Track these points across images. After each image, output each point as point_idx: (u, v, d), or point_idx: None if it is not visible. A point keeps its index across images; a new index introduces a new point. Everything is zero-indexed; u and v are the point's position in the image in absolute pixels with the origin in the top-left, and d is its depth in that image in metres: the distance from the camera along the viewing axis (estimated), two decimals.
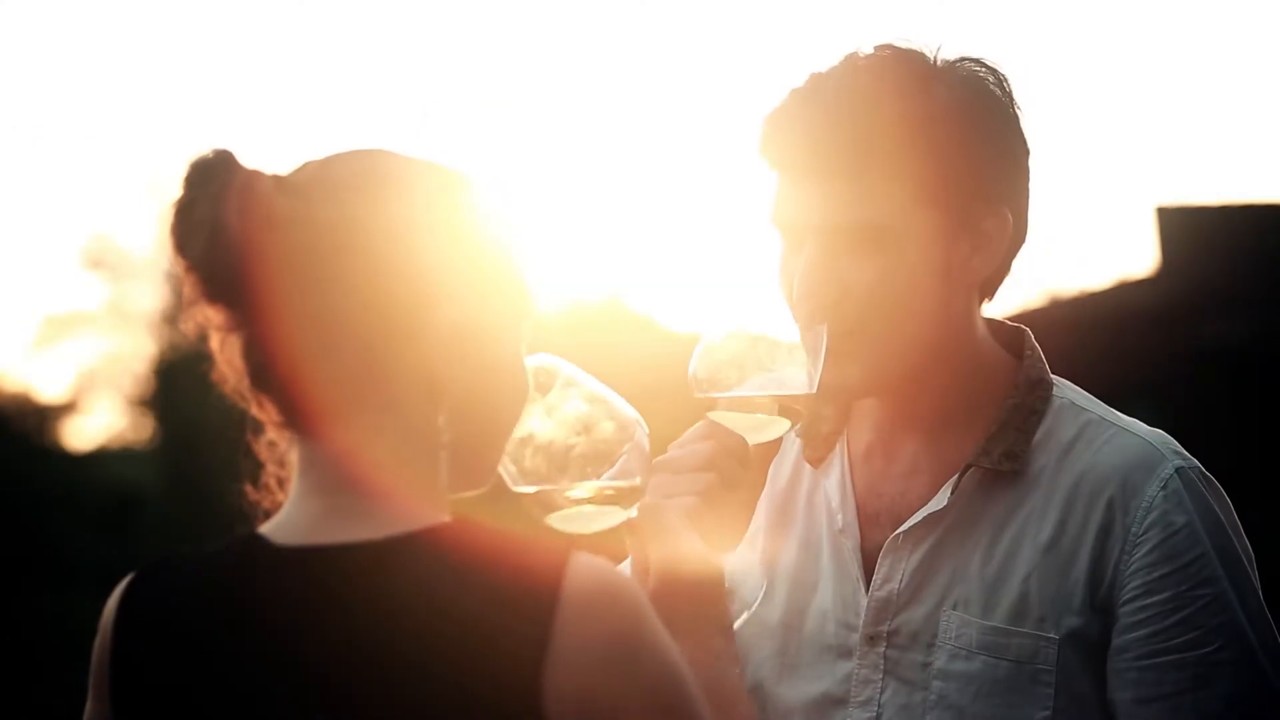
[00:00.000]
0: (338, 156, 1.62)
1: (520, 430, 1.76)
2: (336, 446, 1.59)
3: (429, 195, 1.60)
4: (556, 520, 1.84)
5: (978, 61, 2.09)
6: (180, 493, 18.42)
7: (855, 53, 2.08)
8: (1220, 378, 12.11)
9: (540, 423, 1.82)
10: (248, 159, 1.58)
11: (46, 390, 22.27)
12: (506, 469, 1.81)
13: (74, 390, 21.26)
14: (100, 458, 21.18)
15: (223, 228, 1.54)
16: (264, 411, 1.61)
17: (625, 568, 2.10)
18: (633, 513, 1.87)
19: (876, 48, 2.08)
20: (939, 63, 2.08)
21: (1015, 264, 2.14)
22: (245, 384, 1.60)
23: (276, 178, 1.59)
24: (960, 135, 2.05)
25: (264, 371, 1.59)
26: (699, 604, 1.83)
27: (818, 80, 2.07)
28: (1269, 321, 12.04)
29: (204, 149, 1.58)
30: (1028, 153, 2.12)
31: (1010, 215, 2.09)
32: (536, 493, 1.83)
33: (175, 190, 1.58)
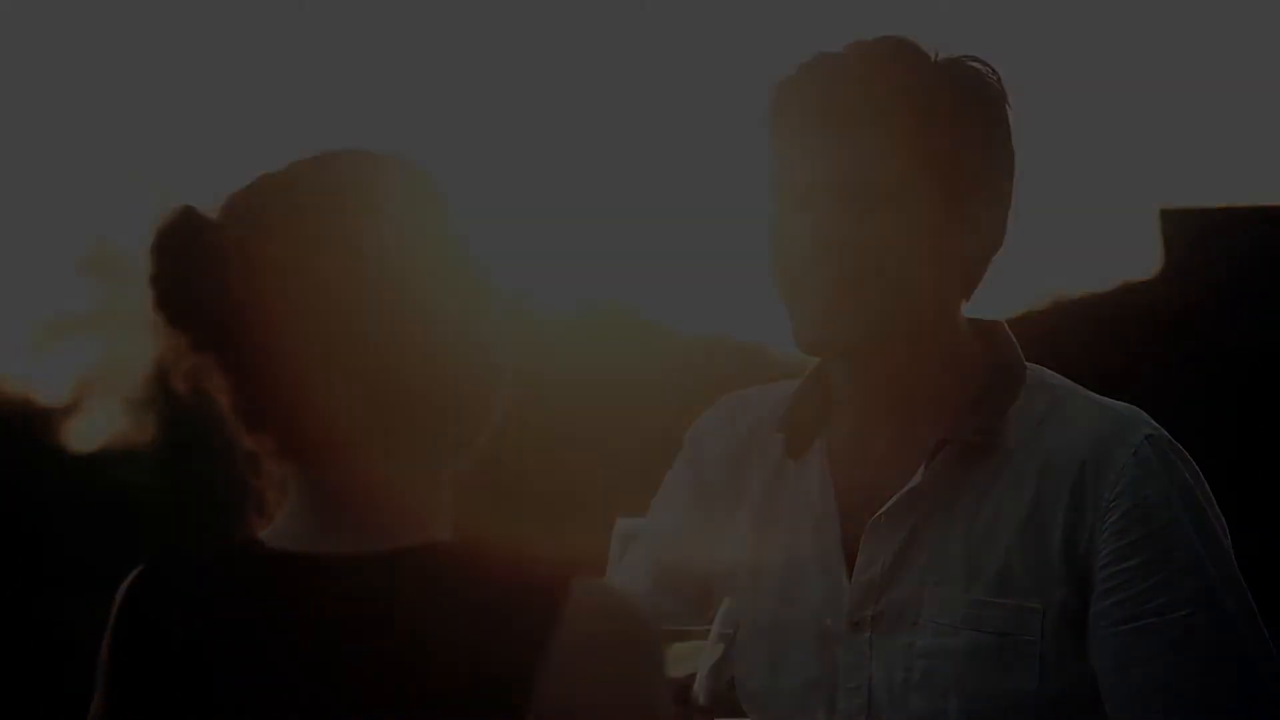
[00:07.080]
0: (288, 173, 1.57)
1: None
2: (339, 471, 1.55)
3: (390, 194, 1.55)
4: None
5: (981, 61, 2.13)
6: (180, 494, 18.42)
7: (865, 38, 2.12)
8: (1224, 380, 12.11)
9: None
10: (207, 208, 1.54)
11: (47, 392, 22.27)
12: None
13: (74, 392, 21.28)
14: (101, 459, 21.17)
15: (200, 283, 1.51)
16: (260, 445, 1.56)
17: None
18: None
19: (886, 36, 2.12)
20: (941, 57, 2.11)
21: (989, 270, 2.17)
22: (239, 422, 1.56)
23: (239, 218, 1.53)
24: (967, 117, 2.10)
25: (258, 410, 1.54)
26: None
27: (830, 55, 2.11)
28: (1273, 323, 12.04)
29: (163, 212, 1.54)
30: (1014, 159, 2.15)
31: (1000, 211, 2.14)
32: None
33: (147, 263, 1.54)
